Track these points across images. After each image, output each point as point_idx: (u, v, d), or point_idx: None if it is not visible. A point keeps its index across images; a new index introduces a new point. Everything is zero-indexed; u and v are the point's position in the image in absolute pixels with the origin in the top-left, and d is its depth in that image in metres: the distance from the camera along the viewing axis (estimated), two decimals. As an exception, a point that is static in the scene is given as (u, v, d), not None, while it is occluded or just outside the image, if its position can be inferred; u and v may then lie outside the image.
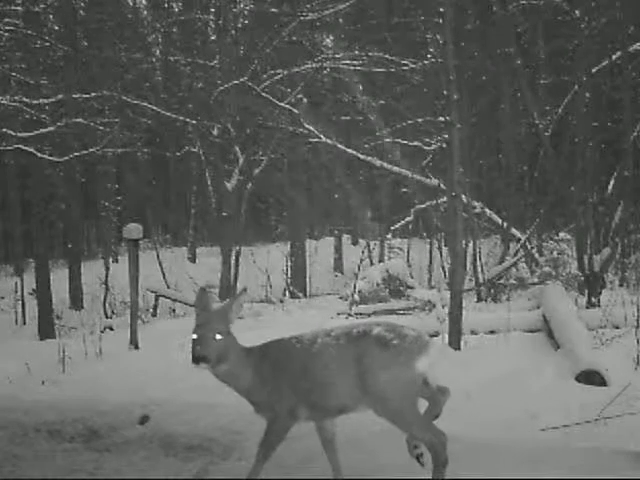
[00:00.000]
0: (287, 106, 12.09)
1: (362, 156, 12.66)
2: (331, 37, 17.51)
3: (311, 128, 12.14)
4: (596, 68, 11.23)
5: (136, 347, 7.70)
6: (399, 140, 13.14)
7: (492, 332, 7.43)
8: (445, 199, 11.69)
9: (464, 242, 9.76)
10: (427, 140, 12.85)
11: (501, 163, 15.58)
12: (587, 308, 8.59)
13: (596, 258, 9.56)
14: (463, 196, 8.56)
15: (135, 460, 4.07)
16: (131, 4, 19.58)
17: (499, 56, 13.60)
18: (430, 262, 13.76)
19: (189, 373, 6.48)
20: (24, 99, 10.69)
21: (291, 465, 3.71)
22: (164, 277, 14.47)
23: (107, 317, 12.79)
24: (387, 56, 12.24)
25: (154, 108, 13.07)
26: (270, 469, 3.66)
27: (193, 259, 21.41)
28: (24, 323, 12.90)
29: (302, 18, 12.50)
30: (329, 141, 12.37)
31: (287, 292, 13.53)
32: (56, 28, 14.63)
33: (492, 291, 10.82)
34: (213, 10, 15.24)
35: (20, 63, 12.43)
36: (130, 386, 6.07)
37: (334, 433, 3.43)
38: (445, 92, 7.35)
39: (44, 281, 11.68)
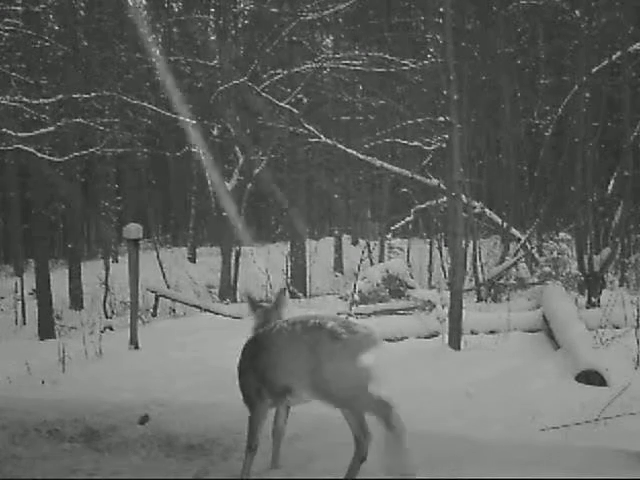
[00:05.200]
0: (287, 106, 12.10)
1: (362, 156, 12.66)
2: (331, 37, 17.54)
3: (311, 128, 12.14)
4: (596, 68, 11.23)
5: (136, 347, 7.70)
6: (399, 140, 13.15)
7: (492, 332, 7.43)
8: (445, 199, 11.70)
9: (464, 242, 9.76)
10: (427, 140, 12.85)
11: (501, 163, 15.58)
12: (587, 308, 8.59)
13: (596, 258, 9.56)
14: (463, 196, 8.55)
15: (135, 460, 4.07)
16: (131, 4, 19.59)
17: (499, 56, 13.61)
18: (430, 262, 13.76)
19: (189, 373, 6.51)
20: (24, 99, 10.69)
21: (291, 465, 3.71)
22: (164, 277, 14.47)
23: (107, 317, 12.79)
24: (387, 56, 12.24)
25: (154, 108, 13.08)
26: (271, 469, 3.66)
27: (193, 259, 21.41)
28: (24, 323, 12.91)
29: (302, 18, 12.51)
30: (329, 141, 12.37)
31: (287, 292, 13.51)
32: (56, 28, 14.63)
33: (492, 291, 10.82)
34: (213, 10, 15.25)
35: (20, 63, 12.43)
36: (130, 386, 6.07)
37: (285, 424, 3.73)
38: (445, 92, 7.35)
39: (44, 281, 11.68)
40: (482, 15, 14.95)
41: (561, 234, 11.04)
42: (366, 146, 13.23)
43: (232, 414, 4.77)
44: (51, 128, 10.90)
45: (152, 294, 11.54)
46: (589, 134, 10.53)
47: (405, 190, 15.49)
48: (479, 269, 11.58)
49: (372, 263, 13.12)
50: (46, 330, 11.21)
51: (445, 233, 14.38)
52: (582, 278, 9.61)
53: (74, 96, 11.30)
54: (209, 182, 14.66)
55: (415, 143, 12.82)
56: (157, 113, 13.22)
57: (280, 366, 3.42)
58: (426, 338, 7.53)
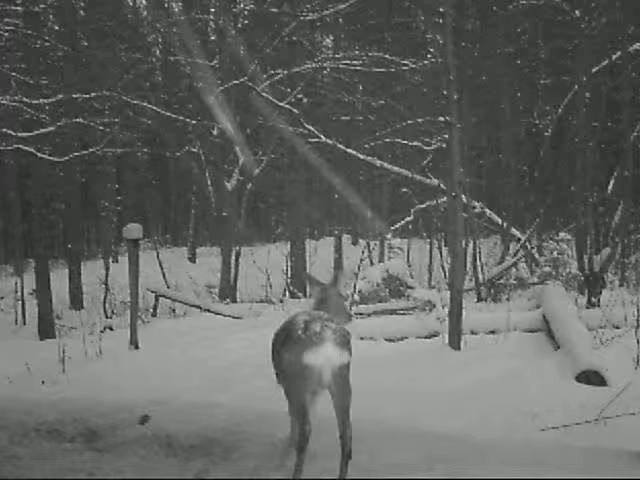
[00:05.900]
0: (287, 106, 12.09)
1: (362, 156, 12.65)
2: (331, 37, 17.53)
3: (311, 128, 12.13)
4: (596, 68, 11.23)
5: (136, 347, 7.70)
6: (399, 140, 13.14)
7: (492, 332, 7.43)
8: (445, 199, 11.70)
9: (464, 242, 9.76)
10: (427, 140, 12.84)
11: (501, 163, 15.58)
12: (587, 308, 8.59)
13: (596, 258, 9.56)
14: (463, 196, 8.55)
15: (135, 460, 4.07)
16: (131, 4, 19.61)
17: (499, 56, 13.60)
18: (430, 262, 13.76)
19: (189, 373, 6.51)
20: (24, 99, 10.68)
21: (292, 465, 3.71)
22: (164, 277, 14.48)
23: (107, 317, 12.79)
24: (387, 56, 12.23)
25: (154, 108, 13.08)
26: (270, 470, 3.67)
27: (193, 259, 21.41)
28: (24, 323, 12.90)
29: (302, 18, 12.51)
30: (329, 141, 12.37)
31: (287, 292, 13.52)
32: (56, 28, 14.60)
33: (492, 291, 10.83)
34: (213, 10, 15.23)
35: (20, 63, 12.41)
36: (130, 386, 6.07)
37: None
38: (445, 92, 7.35)
39: (44, 281, 11.67)
40: (482, 15, 14.95)
41: (561, 234, 11.04)
42: (366, 146, 13.22)
43: (232, 414, 4.78)
44: (51, 128, 10.88)
45: (152, 294, 11.55)
46: (589, 134, 10.53)
47: (405, 190, 15.48)
48: (479, 269, 11.58)
49: (372, 263, 13.13)
50: (46, 330, 11.20)
51: (445, 233, 14.38)
52: (582, 278, 9.61)
53: (74, 96, 11.28)
54: (209, 182, 14.66)
55: (415, 143, 12.81)
56: (157, 113, 13.21)
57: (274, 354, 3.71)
58: (426, 338, 7.53)
